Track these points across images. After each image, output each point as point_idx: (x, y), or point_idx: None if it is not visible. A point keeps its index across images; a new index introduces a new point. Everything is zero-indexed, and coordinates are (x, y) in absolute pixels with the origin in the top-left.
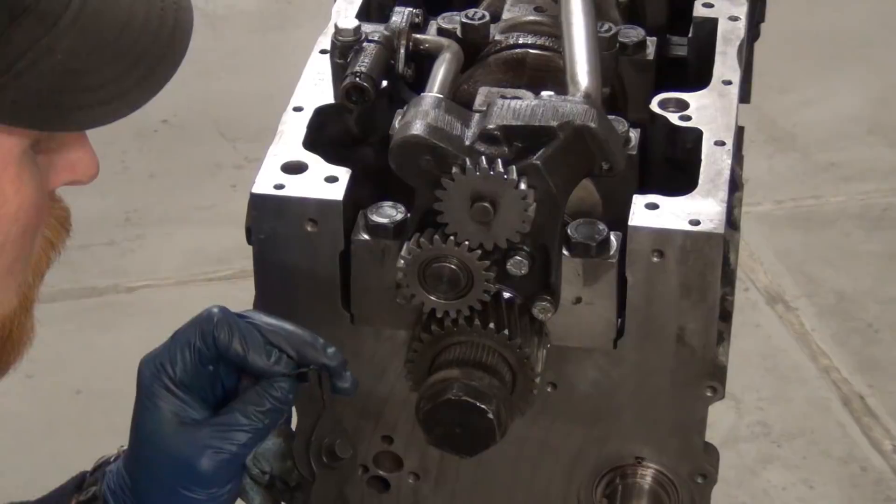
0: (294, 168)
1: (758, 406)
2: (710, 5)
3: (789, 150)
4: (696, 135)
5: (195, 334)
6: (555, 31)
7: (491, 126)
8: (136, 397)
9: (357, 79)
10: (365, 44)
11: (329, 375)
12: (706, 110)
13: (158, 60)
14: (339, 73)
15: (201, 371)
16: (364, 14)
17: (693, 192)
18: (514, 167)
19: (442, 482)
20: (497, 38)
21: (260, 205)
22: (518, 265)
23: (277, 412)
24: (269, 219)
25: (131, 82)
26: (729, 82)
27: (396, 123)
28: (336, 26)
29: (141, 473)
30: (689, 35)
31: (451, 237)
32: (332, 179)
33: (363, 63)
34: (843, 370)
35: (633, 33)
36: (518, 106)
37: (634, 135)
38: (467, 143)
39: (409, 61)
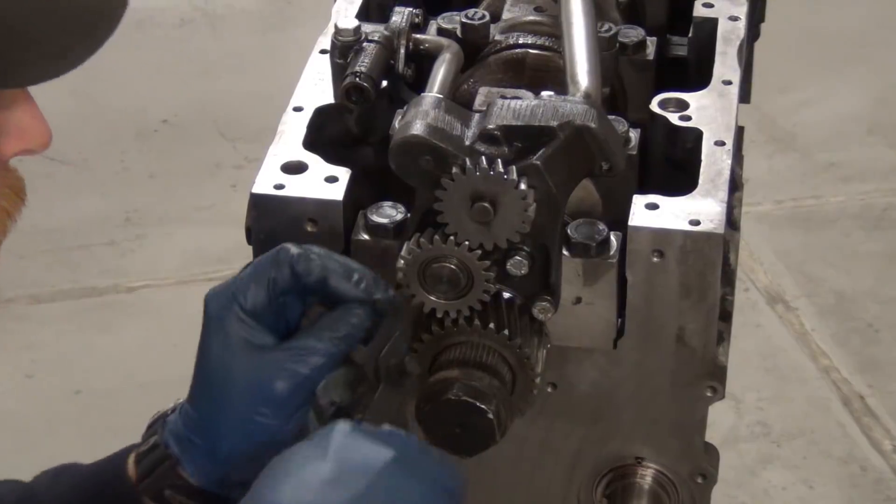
0: (294, 168)
1: (758, 406)
2: (710, 5)
3: (789, 150)
4: (696, 135)
5: (270, 265)
6: (555, 31)
7: (491, 126)
8: (203, 331)
9: (357, 79)
10: (365, 44)
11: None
12: (706, 110)
13: (100, 16)
14: (339, 73)
15: (272, 302)
16: (364, 14)
17: (693, 192)
18: (514, 167)
19: None
20: (497, 38)
21: (260, 205)
22: (518, 265)
23: (352, 339)
24: (269, 219)
25: (73, 38)
26: (729, 82)
27: (396, 123)
28: (336, 26)
29: (211, 404)
30: (689, 35)
31: (451, 237)
32: (332, 179)
33: (363, 63)
34: (843, 370)
35: (633, 33)
36: (518, 106)
37: (634, 135)
38: (467, 143)
39: (409, 61)
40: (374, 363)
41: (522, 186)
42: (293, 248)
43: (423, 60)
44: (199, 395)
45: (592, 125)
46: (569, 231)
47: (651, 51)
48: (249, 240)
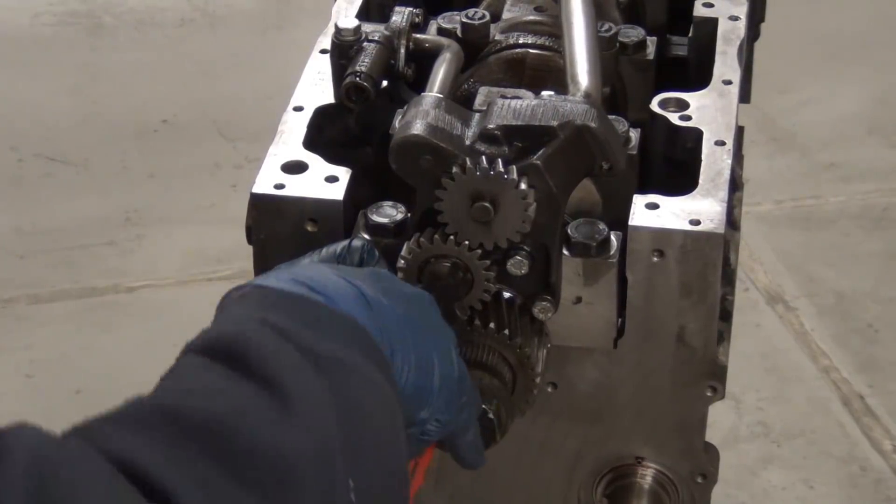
0: (294, 168)
1: (758, 406)
2: (711, 5)
3: (789, 150)
4: (697, 135)
5: (342, 252)
6: (555, 30)
7: (491, 126)
8: None
9: (357, 78)
10: (365, 43)
11: None
12: (706, 110)
13: None
14: (339, 72)
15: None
16: (364, 14)
17: (693, 192)
18: (514, 167)
19: (442, 482)
20: (497, 37)
21: (260, 205)
22: (518, 265)
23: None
24: (269, 218)
25: None
26: (729, 82)
27: (396, 123)
28: (336, 26)
29: None
30: (690, 35)
31: (452, 237)
32: (332, 179)
33: (363, 63)
34: (843, 370)
35: (633, 33)
36: (518, 106)
37: (634, 135)
38: (467, 142)
39: (409, 61)
40: None
41: (522, 186)
42: (365, 242)
43: (423, 60)
44: None
45: (592, 125)
46: (569, 231)
47: (651, 51)
48: (249, 240)
